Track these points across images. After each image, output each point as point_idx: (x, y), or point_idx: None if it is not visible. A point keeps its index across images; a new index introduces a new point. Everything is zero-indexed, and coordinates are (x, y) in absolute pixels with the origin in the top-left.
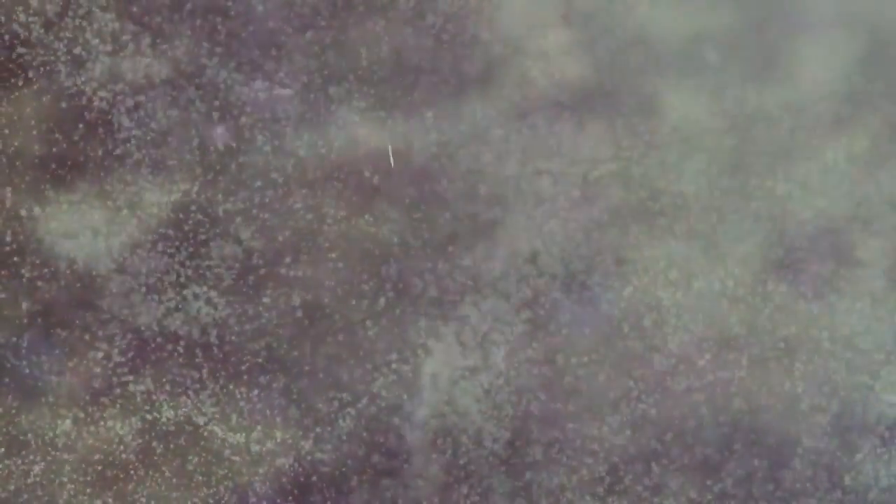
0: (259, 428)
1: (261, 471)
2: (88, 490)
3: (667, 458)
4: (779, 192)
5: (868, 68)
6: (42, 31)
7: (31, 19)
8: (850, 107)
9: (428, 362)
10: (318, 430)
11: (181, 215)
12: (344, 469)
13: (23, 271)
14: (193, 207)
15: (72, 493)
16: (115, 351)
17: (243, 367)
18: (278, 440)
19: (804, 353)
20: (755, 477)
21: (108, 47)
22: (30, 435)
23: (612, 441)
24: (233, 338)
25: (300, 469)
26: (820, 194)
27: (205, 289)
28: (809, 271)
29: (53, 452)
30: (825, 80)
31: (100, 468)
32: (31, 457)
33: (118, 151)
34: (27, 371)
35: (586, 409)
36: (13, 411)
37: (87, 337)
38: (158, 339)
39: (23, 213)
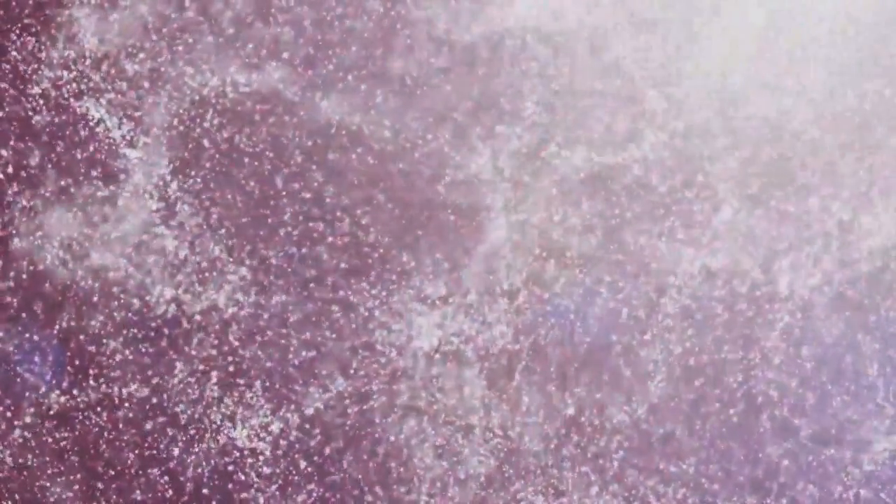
0: (260, 410)
1: (262, 451)
2: (84, 479)
3: (662, 457)
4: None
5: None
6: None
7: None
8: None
9: (416, 343)
10: (312, 408)
11: (177, 210)
12: (337, 448)
13: (20, 276)
14: (187, 203)
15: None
16: (120, 344)
17: (244, 355)
18: (274, 418)
19: (810, 368)
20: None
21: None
22: (29, 435)
23: (608, 433)
24: (233, 327)
25: (294, 448)
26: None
27: (206, 284)
28: (818, 274)
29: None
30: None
31: (107, 461)
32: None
33: (117, 157)
34: (30, 373)
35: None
36: (10, 413)
37: (91, 334)
38: (164, 331)
39: (25, 217)
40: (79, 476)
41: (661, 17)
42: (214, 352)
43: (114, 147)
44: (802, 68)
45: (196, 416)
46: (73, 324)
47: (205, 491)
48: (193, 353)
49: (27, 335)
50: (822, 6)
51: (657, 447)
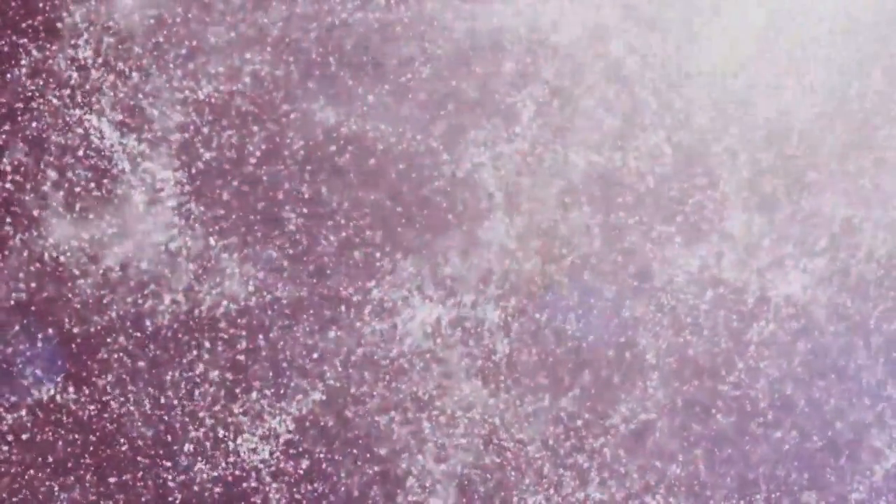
0: (262, 408)
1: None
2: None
3: (658, 458)
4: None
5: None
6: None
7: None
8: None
9: (412, 341)
10: (307, 407)
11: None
12: (334, 447)
13: (22, 277)
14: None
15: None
16: (123, 344)
17: (245, 353)
18: (277, 416)
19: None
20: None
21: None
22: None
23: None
24: (234, 325)
25: (295, 447)
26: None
27: (206, 283)
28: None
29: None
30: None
31: (116, 455)
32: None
33: (117, 161)
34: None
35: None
36: (8, 410)
37: (96, 339)
38: (166, 331)
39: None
40: (84, 479)
41: (662, 17)
42: (222, 347)
43: (114, 151)
44: (803, 68)
45: (199, 416)
46: (74, 326)
47: (209, 490)
48: (195, 353)
49: (29, 337)
50: (822, 6)
51: (652, 447)
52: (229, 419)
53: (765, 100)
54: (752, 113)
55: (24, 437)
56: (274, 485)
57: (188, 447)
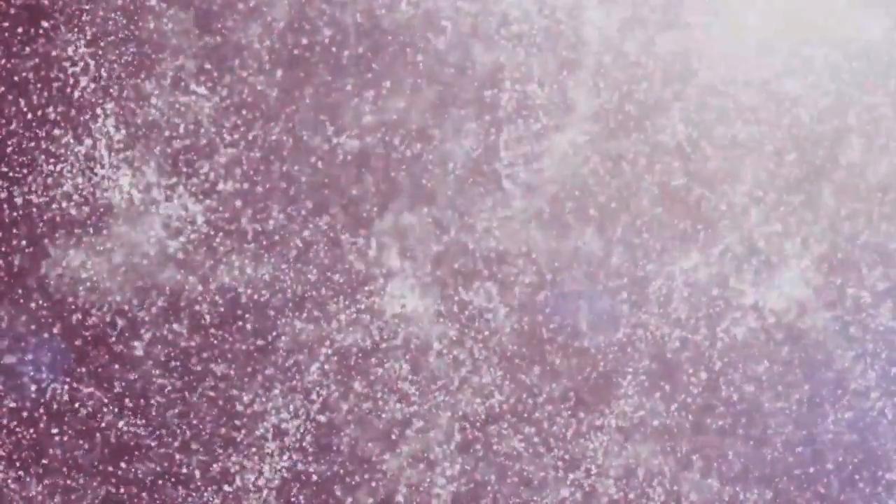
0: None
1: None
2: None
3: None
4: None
5: None
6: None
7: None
8: None
9: (404, 338)
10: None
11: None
12: (327, 442)
13: (28, 278)
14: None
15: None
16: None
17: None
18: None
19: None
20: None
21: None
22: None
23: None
24: (236, 321)
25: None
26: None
27: (210, 283)
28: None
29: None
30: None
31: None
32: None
33: (119, 166)
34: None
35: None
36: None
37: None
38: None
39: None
40: (86, 483)
41: (664, 15)
42: (221, 348)
43: (113, 156)
44: (803, 68)
45: (200, 427)
46: (77, 328)
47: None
48: (196, 357)
49: (32, 339)
50: (822, 6)
51: (651, 446)
52: (230, 429)
53: (764, 100)
54: (751, 113)
55: (25, 438)
56: (273, 483)
57: (194, 464)
